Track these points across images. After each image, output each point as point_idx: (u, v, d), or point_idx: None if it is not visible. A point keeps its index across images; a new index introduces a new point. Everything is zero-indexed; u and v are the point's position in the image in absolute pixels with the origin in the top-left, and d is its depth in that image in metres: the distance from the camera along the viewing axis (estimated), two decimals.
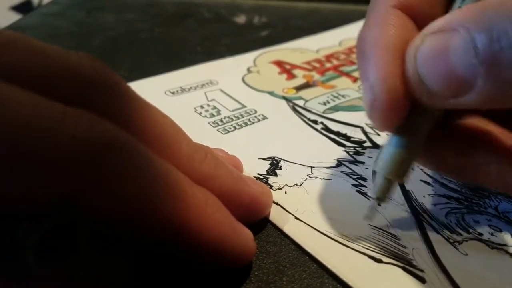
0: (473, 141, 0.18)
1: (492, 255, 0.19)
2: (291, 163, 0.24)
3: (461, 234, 0.20)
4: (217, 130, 0.27)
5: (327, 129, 0.28)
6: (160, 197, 0.15)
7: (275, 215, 0.21)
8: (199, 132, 0.26)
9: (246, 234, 0.17)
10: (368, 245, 0.19)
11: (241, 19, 0.47)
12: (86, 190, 0.13)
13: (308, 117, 0.29)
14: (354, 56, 0.38)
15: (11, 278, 0.14)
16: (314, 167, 0.24)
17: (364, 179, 0.23)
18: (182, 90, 0.32)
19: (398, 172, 0.17)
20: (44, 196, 0.13)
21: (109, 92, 0.15)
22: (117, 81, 0.16)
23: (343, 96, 0.31)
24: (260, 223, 0.20)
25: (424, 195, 0.22)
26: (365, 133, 0.27)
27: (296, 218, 0.21)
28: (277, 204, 0.21)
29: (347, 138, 0.27)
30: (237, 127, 0.28)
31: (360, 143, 0.26)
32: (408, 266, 0.18)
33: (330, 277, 0.18)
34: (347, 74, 0.35)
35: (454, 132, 0.19)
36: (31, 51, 0.14)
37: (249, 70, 0.35)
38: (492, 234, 0.20)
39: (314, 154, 0.25)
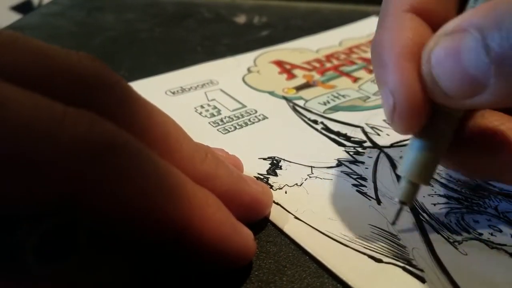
0: (496, 139, 0.18)
1: (492, 255, 0.19)
2: (291, 163, 0.24)
3: (461, 234, 0.20)
4: (217, 130, 0.27)
5: (327, 129, 0.28)
6: (161, 197, 0.15)
7: (275, 215, 0.21)
8: (200, 132, 0.26)
9: (246, 234, 0.17)
10: (368, 245, 0.19)
11: (241, 19, 0.47)
12: (87, 190, 0.13)
13: (308, 117, 0.29)
14: (354, 56, 0.38)
15: (11, 278, 0.14)
16: (314, 167, 0.24)
17: (364, 179, 0.23)
18: (183, 90, 0.32)
19: (423, 175, 0.17)
20: (44, 196, 0.13)
21: (109, 92, 0.15)
22: (118, 81, 0.16)
23: (343, 96, 0.31)
24: (260, 223, 0.20)
25: (424, 195, 0.22)
26: (365, 133, 0.27)
27: (296, 218, 0.21)
28: (277, 204, 0.21)
29: (347, 138, 0.27)
30: (238, 127, 0.28)
31: (360, 143, 0.26)
32: (408, 266, 0.18)
33: (330, 277, 0.18)
34: (347, 74, 0.35)
35: (477, 132, 0.19)
36: (32, 51, 0.14)
37: (249, 70, 0.35)
38: (492, 234, 0.20)
39: (314, 154, 0.25)
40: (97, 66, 0.15)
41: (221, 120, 0.28)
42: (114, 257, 0.16)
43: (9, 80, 0.13)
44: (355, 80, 0.34)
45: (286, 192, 0.22)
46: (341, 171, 0.24)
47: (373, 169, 0.24)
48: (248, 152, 0.25)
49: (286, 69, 0.35)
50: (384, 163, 0.24)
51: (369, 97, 0.31)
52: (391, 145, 0.26)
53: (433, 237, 0.19)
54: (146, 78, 0.33)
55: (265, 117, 0.29)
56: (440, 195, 0.22)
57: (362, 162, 0.24)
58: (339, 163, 0.24)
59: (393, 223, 0.19)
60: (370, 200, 0.22)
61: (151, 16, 0.48)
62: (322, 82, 0.33)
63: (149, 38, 0.43)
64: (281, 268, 0.18)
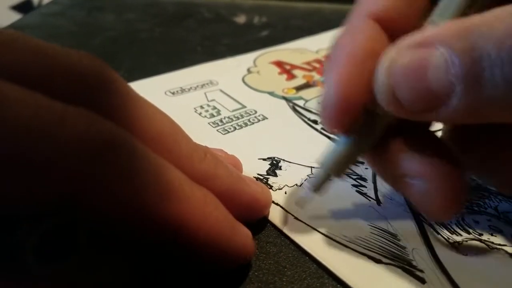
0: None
1: (492, 255, 0.19)
2: (291, 163, 0.24)
3: (461, 235, 0.20)
4: (217, 130, 0.27)
5: None
6: (159, 196, 0.15)
7: (275, 216, 0.21)
8: (199, 132, 0.26)
9: (245, 233, 0.17)
10: (368, 245, 0.19)
11: (241, 19, 0.47)
12: (86, 190, 0.13)
13: (308, 117, 0.29)
14: None
15: (11, 278, 0.14)
16: (314, 167, 0.24)
17: (364, 179, 0.23)
18: (182, 90, 0.32)
19: (338, 169, 0.19)
20: (44, 196, 0.13)
21: (109, 91, 0.15)
22: (118, 80, 0.16)
23: None
24: (260, 223, 0.20)
25: None
26: None
27: (296, 218, 0.21)
28: (277, 204, 0.21)
29: None
30: (237, 127, 0.28)
31: None
32: (408, 266, 0.18)
33: (330, 277, 0.18)
34: None
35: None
36: (32, 50, 0.14)
37: (249, 71, 0.35)
38: (492, 235, 0.20)
39: (314, 154, 0.25)
40: (97, 66, 0.15)
41: (221, 121, 0.28)
42: (114, 257, 0.16)
43: (9, 79, 0.13)
44: None
45: (286, 193, 0.22)
46: None
47: None
48: (248, 152, 0.25)
49: (286, 69, 0.35)
50: None
51: None
52: None
53: (433, 237, 0.19)
54: (146, 78, 0.33)
55: (265, 118, 0.29)
56: None
57: (362, 162, 0.24)
58: None
59: (299, 205, 0.20)
60: (370, 200, 0.22)
61: (151, 16, 0.48)
62: (322, 82, 0.33)
63: (149, 38, 0.43)
64: (281, 268, 0.18)
